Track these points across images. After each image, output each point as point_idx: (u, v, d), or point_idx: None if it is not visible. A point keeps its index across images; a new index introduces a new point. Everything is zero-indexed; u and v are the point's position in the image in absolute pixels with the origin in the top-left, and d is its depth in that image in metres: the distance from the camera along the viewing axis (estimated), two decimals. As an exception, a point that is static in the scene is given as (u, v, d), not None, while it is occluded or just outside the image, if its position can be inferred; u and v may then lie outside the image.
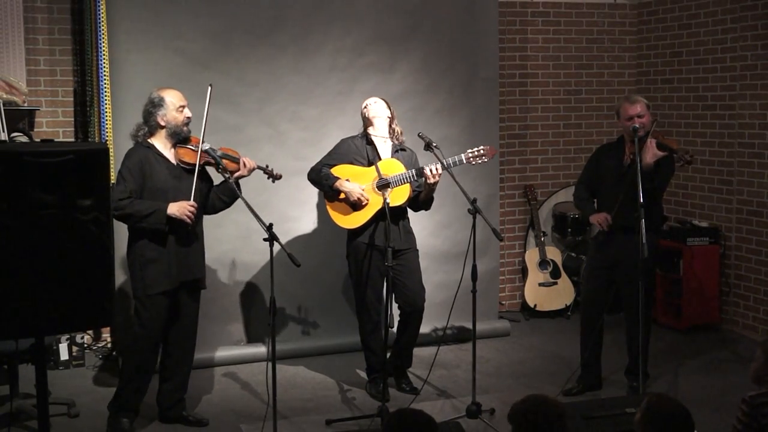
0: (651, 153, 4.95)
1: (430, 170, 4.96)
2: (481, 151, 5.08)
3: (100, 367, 5.91)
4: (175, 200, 4.56)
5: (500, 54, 6.79)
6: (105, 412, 4.81)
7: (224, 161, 4.72)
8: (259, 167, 4.82)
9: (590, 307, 5.33)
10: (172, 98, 4.65)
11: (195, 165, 4.66)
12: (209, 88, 4.69)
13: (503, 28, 6.96)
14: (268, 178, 4.89)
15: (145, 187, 4.56)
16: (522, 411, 2.83)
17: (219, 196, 4.84)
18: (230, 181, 4.64)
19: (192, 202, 4.57)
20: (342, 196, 5.16)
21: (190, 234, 4.67)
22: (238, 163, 4.76)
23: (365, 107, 5.27)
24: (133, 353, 4.75)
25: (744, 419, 3.20)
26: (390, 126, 5.24)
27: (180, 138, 4.68)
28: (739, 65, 6.62)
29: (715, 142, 6.86)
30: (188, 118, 4.69)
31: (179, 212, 4.53)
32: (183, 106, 4.67)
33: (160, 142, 4.67)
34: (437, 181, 5.02)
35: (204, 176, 4.82)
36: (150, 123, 4.66)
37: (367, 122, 5.25)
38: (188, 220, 4.55)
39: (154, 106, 4.64)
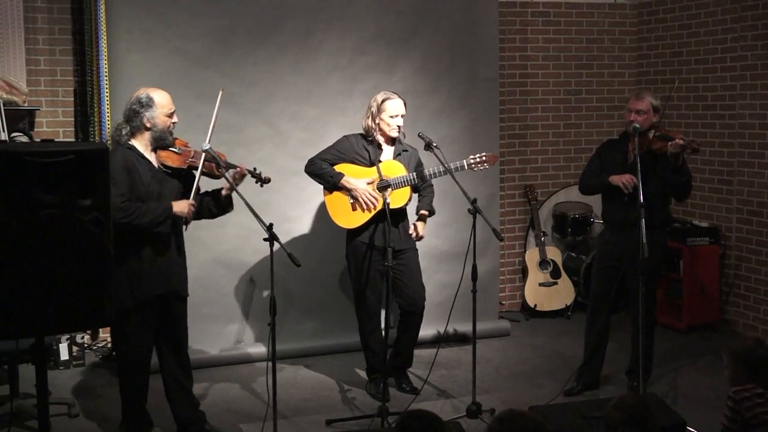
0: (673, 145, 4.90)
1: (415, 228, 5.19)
2: (483, 158, 5.09)
3: (100, 367, 5.90)
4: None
5: (500, 54, 6.79)
6: (104, 411, 4.80)
7: (209, 165, 4.46)
8: (248, 171, 4.55)
9: (598, 304, 5.31)
10: (162, 101, 4.35)
11: (178, 169, 4.43)
12: (220, 92, 4.49)
13: (503, 28, 6.96)
14: (257, 182, 4.60)
15: (132, 192, 4.26)
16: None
17: (209, 207, 4.57)
18: (227, 177, 4.43)
19: (192, 201, 4.38)
20: (343, 192, 5.14)
21: (170, 245, 4.40)
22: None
23: (383, 102, 5.08)
24: (128, 367, 4.46)
25: (729, 414, 3.45)
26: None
27: (163, 144, 4.38)
28: (739, 65, 6.62)
29: (715, 142, 6.86)
30: (174, 123, 4.41)
31: (182, 210, 4.31)
32: (173, 112, 4.39)
33: (142, 145, 4.36)
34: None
35: (187, 181, 4.51)
36: (134, 123, 4.33)
37: (378, 117, 5.10)
38: (188, 215, 4.33)
39: (141, 105, 4.31)
